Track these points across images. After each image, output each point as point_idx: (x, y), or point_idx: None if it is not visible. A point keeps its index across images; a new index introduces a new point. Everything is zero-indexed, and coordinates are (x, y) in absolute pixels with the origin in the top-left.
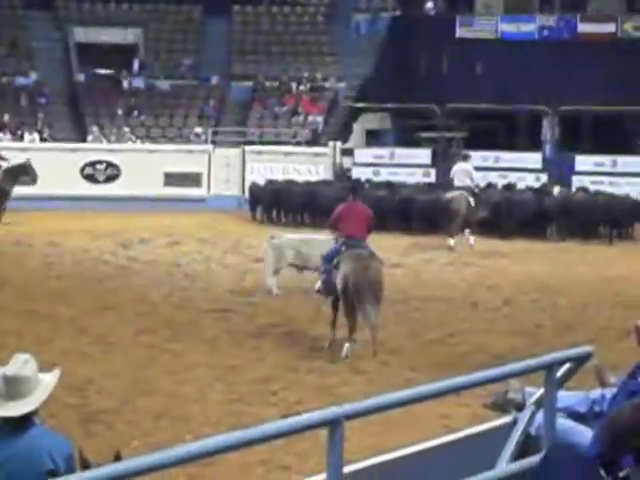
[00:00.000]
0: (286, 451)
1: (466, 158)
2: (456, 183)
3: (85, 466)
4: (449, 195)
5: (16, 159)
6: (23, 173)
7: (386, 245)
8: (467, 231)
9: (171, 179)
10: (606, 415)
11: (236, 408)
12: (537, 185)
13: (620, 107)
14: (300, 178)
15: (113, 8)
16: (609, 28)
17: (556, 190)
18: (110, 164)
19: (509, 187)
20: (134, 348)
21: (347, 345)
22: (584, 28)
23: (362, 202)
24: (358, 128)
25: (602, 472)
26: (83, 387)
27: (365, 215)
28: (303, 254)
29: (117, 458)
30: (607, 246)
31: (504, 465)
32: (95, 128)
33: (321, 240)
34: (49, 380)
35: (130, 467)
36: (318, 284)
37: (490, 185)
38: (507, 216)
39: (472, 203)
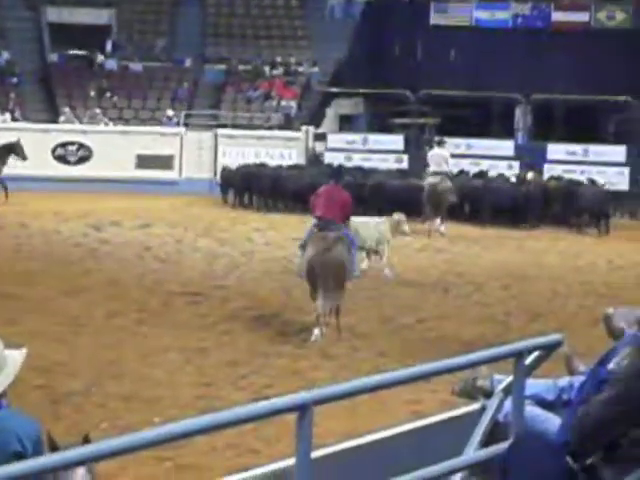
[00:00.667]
0: (255, 435)
1: (441, 144)
2: (432, 168)
3: (53, 448)
4: (431, 180)
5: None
6: (13, 152)
7: None
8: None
9: (143, 161)
10: (574, 403)
11: (205, 391)
12: (509, 172)
13: (592, 96)
14: (272, 162)
15: None
16: (582, 17)
17: (529, 176)
18: (82, 145)
19: (481, 175)
20: (104, 330)
21: (316, 330)
22: (558, 17)
23: (342, 188)
24: (331, 113)
25: (569, 460)
26: (52, 369)
27: (341, 199)
28: (360, 235)
29: (86, 441)
30: (577, 235)
31: (472, 452)
32: (67, 109)
33: (377, 222)
34: (16, 358)
35: (99, 449)
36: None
37: (462, 172)
38: (483, 203)
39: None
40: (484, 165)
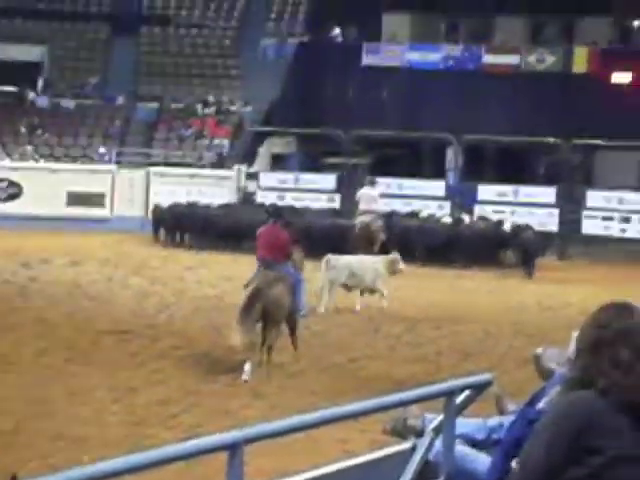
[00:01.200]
0: (185, 474)
1: (373, 184)
2: (362, 207)
3: None
4: (362, 219)
5: None
6: None
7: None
8: None
9: (74, 199)
10: (503, 443)
11: (135, 430)
12: (440, 213)
13: (523, 138)
14: (204, 201)
15: (19, 24)
16: (513, 60)
17: (466, 219)
18: (12, 182)
19: (413, 215)
20: (33, 369)
21: (246, 366)
22: (488, 59)
23: (282, 226)
24: (264, 152)
25: None
26: None
27: (279, 239)
28: (356, 275)
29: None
30: (508, 275)
31: None
32: None
33: (373, 261)
34: None
35: None
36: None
37: (393, 213)
38: (416, 244)
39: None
40: (415, 205)
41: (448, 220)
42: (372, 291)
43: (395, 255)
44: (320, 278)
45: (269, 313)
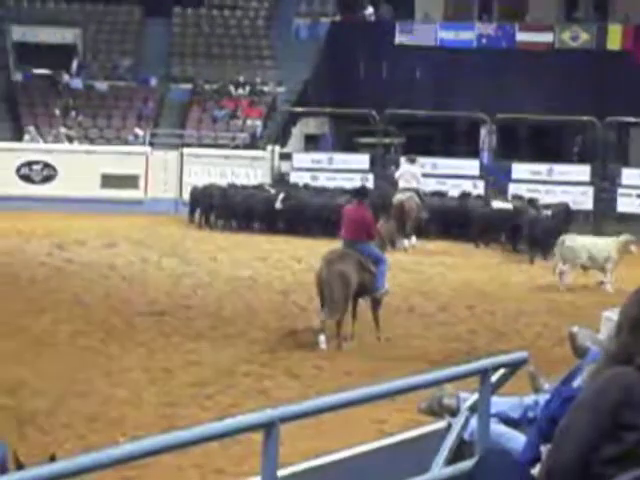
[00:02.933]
0: (220, 454)
1: (412, 161)
2: (402, 185)
3: (19, 468)
4: (398, 196)
5: None
6: None
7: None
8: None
9: (108, 181)
10: (539, 421)
11: (170, 411)
12: (475, 192)
13: (557, 116)
14: (238, 182)
15: (52, 7)
16: (547, 37)
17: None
18: (47, 164)
19: (463, 196)
20: (69, 350)
21: (321, 337)
22: (522, 37)
23: (366, 206)
24: (297, 133)
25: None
26: (16, 389)
27: (361, 219)
28: (592, 256)
29: (52, 460)
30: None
31: (438, 470)
32: (32, 128)
33: (606, 243)
34: None
35: (64, 468)
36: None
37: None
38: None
39: (419, 205)
40: (449, 184)
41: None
42: (602, 269)
43: (627, 236)
44: (555, 258)
45: (331, 289)
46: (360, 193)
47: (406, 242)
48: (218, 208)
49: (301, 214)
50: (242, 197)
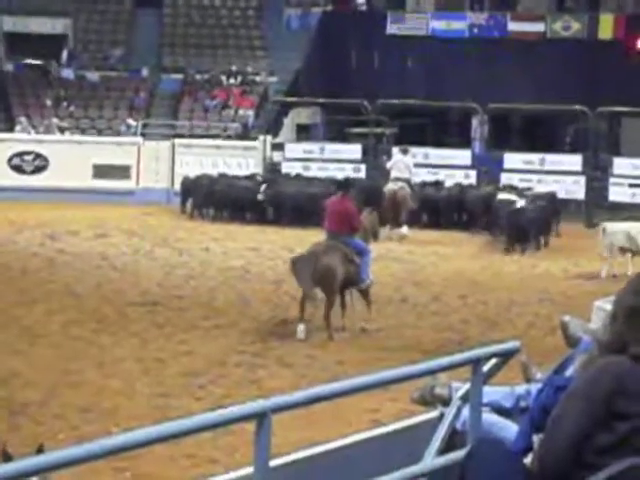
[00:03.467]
0: (213, 445)
1: (405, 152)
2: (394, 174)
3: (7, 459)
4: (390, 186)
5: None
6: None
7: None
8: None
9: (100, 171)
10: (531, 410)
11: (163, 402)
12: (466, 182)
13: (548, 106)
14: (231, 172)
15: None
16: (538, 27)
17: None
18: (38, 155)
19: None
20: (61, 341)
21: (300, 326)
22: (514, 27)
23: (350, 198)
24: (289, 123)
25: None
26: (8, 380)
27: (345, 211)
28: (632, 239)
29: (40, 451)
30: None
31: (430, 459)
32: (23, 118)
33: None
34: None
35: (56, 459)
36: None
37: (438, 183)
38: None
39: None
40: (441, 174)
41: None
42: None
43: None
44: (599, 245)
45: (319, 281)
46: (343, 185)
47: (400, 231)
48: (208, 198)
49: (282, 204)
50: (230, 188)
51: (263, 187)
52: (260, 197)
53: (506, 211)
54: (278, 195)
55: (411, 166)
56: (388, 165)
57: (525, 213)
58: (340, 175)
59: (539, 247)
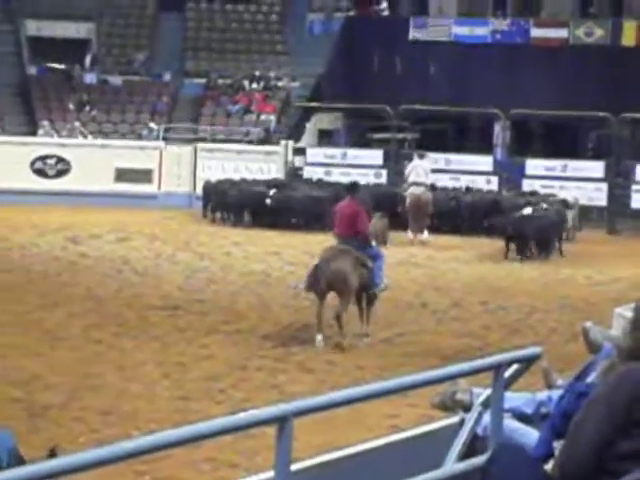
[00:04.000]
0: (233, 449)
1: (422, 156)
2: (413, 179)
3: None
4: (412, 191)
5: None
6: None
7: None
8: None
9: (122, 175)
10: (552, 417)
11: (183, 405)
12: (487, 188)
13: (571, 112)
14: (251, 176)
15: (66, 1)
16: (561, 33)
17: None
18: (61, 159)
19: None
20: (82, 344)
21: (318, 336)
22: (537, 33)
23: (358, 201)
24: (311, 128)
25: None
26: (30, 382)
27: (355, 214)
28: None
29: (52, 453)
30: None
31: (450, 465)
32: (46, 122)
33: None
34: None
35: (76, 462)
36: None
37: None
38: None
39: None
40: (463, 180)
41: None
42: None
43: None
44: None
45: (331, 286)
46: (351, 189)
47: (422, 236)
48: (223, 202)
49: (290, 209)
50: (242, 192)
51: (272, 192)
52: (268, 202)
53: (509, 217)
54: (286, 200)
55: (429, 171)
56: (407, 170)
57: (524, 220)
58: (363, 181)
59: (546, 254)
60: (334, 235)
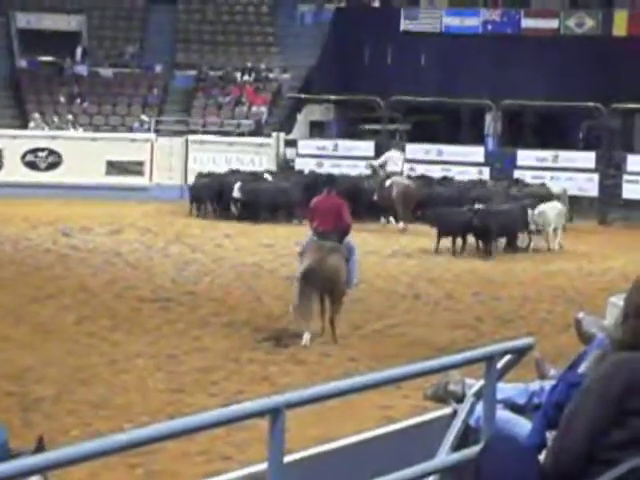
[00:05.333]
0: (226, 441)
1: (398, 148)
2: (392, 168)
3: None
4: (397, 180)
5: None
6: None
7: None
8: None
9: (113, 167)
10: (545, 407)
11: (176, 398)
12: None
13: (562, 102)
14: (243, 168)
15: None
16: (552, 24)
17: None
18: (52, 151)
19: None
20: (74, 337)
21: (306, 335)
22: (527, 23)
23: (336, 194)
24: (302, 119)
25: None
26: (22, 375)
27: (337, 208)
28: None
29: (39, 444)
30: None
31: (444, 456)
32: (37, 115)
33: None
34: None
35: (68, 455)
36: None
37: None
38: None
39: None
40: (454, 171)
41: None
42: None
43: None
44: None
45: (326, 286)
46: (328, 182)
47: (400, 225)
48: (201, 195)
49: (256, 201)
50: (219, 186)
51: (238, 184)
52: (236, 194)
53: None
54: (252, 192)
55: (403, 161)
56: (381, 160)
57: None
58: (354, 172)
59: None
60: (314, 230)
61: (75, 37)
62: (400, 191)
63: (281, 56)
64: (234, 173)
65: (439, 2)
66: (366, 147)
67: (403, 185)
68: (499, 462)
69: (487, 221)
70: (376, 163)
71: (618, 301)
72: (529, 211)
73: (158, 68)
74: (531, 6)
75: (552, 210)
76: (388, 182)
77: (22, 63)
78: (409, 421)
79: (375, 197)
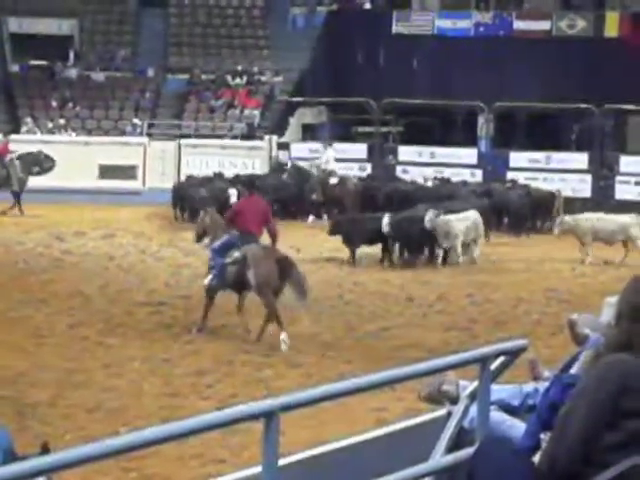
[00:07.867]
0: (220, 445)
1: (330, 146)
2: (332, 167)
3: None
4: (350, 179)
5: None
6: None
7: (320, 239)
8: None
9: (106, 171)
10: (538, 408)
11: (170, 401)
12: (472, 180)
13: (554, 104)
14: (235, 171)
15: None
16: (544, 25)
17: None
18: (45, 156)
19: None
20: (68, 341)
21: (282, 335)
22: (519, 25)
23: (260, 196)
24: (294, 122)
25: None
26: (16, 380)
27: (266, 209)
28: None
29: (45, 449)
30: (542, 241)
31: (438, 457)
32: (29, 119)
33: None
34: None
35: (62, 459)
36: (209, 279)
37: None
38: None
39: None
40: (447, 173)
41: None
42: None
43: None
44: None
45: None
46: (251, 185)
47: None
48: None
49: (188, 205)
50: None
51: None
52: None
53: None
54: (183, 197)
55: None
56: (323, 159)
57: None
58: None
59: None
60: (242, 232)
61: (67, 41)
62: (353, 190)
63: (273, 59)
64: (189, 179)
65: (431, 5)
66: (359, 149)
67: (355, 184)
68: (493, 464)
69: (395, 229)
70: (320, 162)
71: (615, 301)
72: (427, 215)
73: (150, 72)
74: (523, 8)
75: (462, 222)
76: (333, 180)
77: (14, 67)
78: (403, 423)
79: (314, 196)
